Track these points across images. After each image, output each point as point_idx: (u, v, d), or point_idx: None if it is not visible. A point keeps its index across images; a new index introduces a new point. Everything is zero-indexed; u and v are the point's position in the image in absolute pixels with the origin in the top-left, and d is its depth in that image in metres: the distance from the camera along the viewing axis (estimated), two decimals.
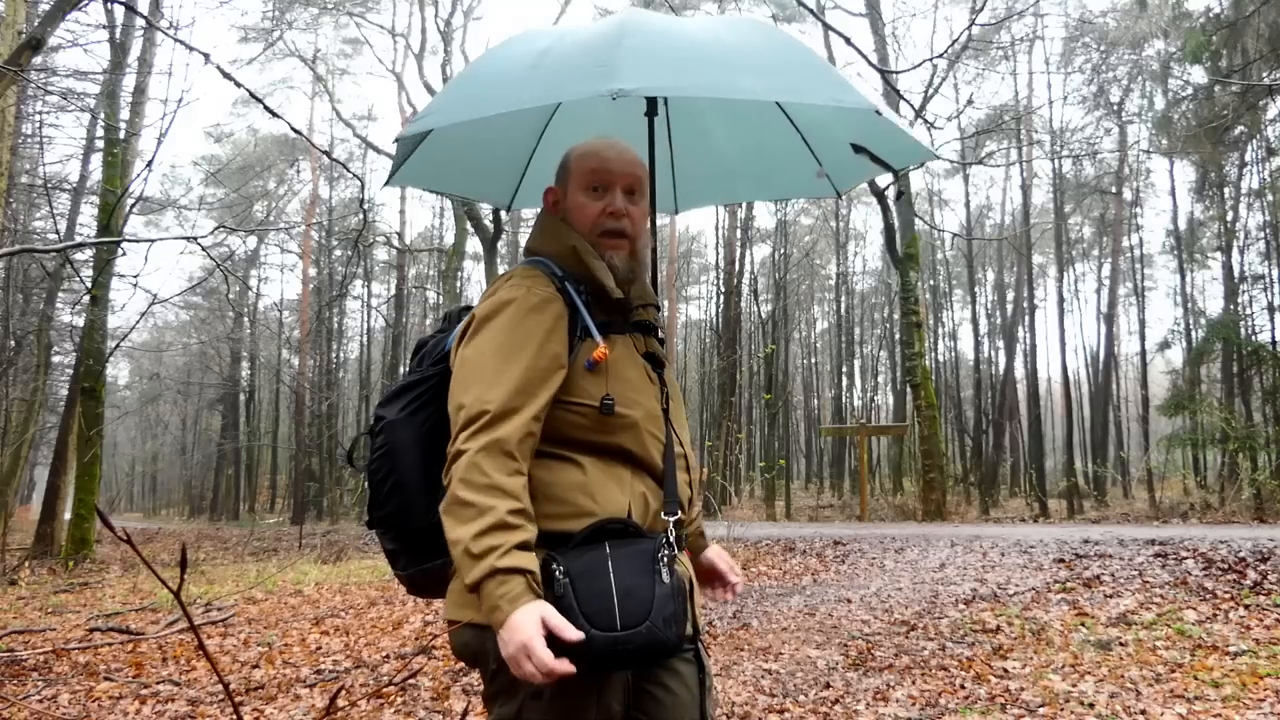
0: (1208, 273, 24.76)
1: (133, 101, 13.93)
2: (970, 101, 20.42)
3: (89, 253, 13.63)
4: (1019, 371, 26.95)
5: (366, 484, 1.64)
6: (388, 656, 5.40)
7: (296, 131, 5.05)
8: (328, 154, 5.28)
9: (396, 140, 1.98)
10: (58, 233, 16.31)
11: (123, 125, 13.75)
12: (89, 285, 12.83)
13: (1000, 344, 28.23)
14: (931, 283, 30.79)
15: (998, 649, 4.84)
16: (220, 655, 5.60)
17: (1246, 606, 5.30)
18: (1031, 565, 7.17)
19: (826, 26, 5.15)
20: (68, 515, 13.98)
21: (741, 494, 26.48)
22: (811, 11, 5.13)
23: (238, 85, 4.33)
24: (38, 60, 9.11)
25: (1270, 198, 17.17)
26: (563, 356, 1.51)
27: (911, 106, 7.92)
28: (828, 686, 4.34)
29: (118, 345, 14.33)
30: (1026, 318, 26.94)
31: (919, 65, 4.46)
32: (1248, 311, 18.69)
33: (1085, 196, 25.21)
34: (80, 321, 15.03)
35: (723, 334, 24.19)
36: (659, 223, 19.11)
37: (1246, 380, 17.78)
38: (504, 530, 1.35)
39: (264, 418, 38.19)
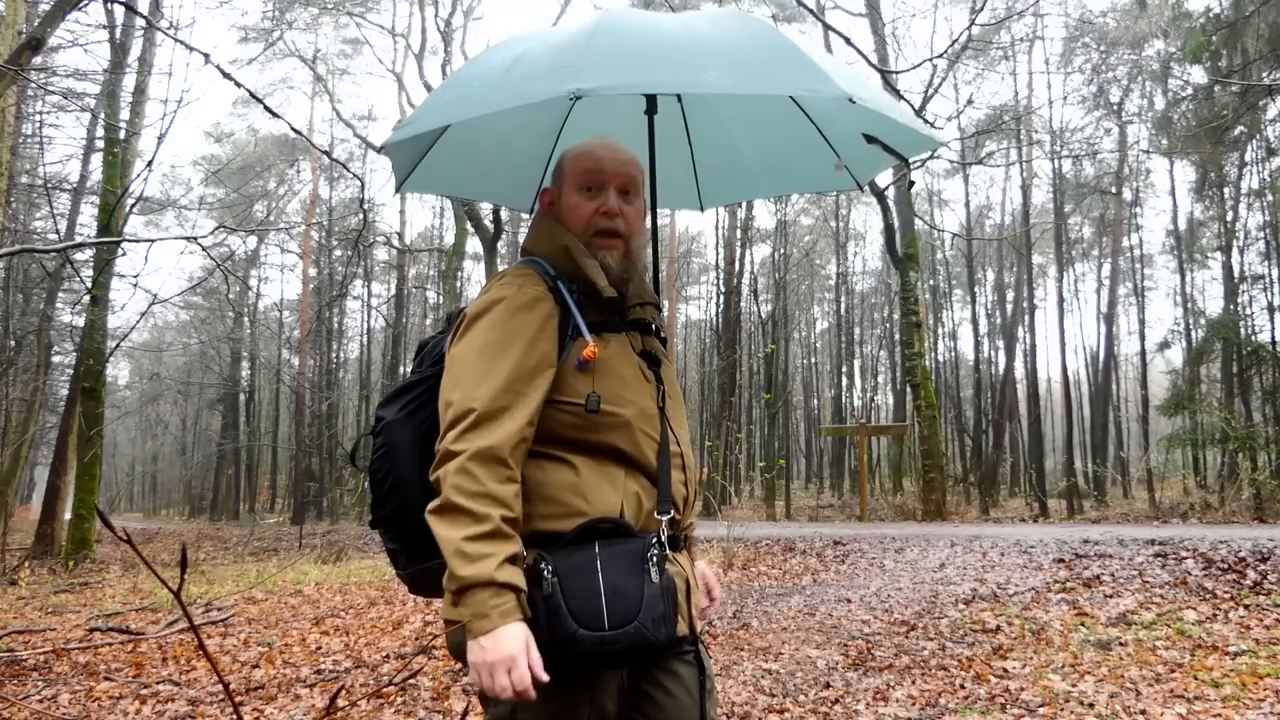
0: (1208, 273, 24.84)
1: (133, 101, 13.94)
2: (970, 101, 20.44)
3: (89, 253, 13.63)
4: (1019, 371, 26.95)
5: (367, 484, 1.65)
6: (388, 656, 5.40)
7: (296, 131, 5.05)
8: (328, 154, 5.28)
9: (381, 149, 1.97)
10: (58, 233, 16.32)
11: (123, 125, 13.74)
12: (89, 285, 12.84)
13: (1000, 344, 28.21)
14: (931, 283, 30.77)
15: (997, 649, 4.84)
16: (220, 655, 5.60)
17: (1246, 606, 5.30)
18: (1031, 565, 7.17)
19: (826, 26, 5.15)
20: (68, 515, 13.98)
21: (741, 494, 26.48)
22: (811, 11, 5.13)
23: (238, 85, 4.33)
24: (38, 60, 9.12)
25: (1270, 198, 17.16)
26: (552, 355, 1.51)
27: (912, 106, 7.91)
28: (828, 686, 4.34)
29: (118, 345, 14.34)
30: (1026, 318, 26.93)
31: (919, 65, 4.46)
32: (1248, 311, 18.70)
33: (1085, 196, 25.20)
34: (80, 321, 15.05)
35: (723, 334, 24.17)
36: (659, 223, 19.10)
37: (1246, 380, 17.77)
38: (497, 539, 1.36)
39: (264, 418, 38.19)
